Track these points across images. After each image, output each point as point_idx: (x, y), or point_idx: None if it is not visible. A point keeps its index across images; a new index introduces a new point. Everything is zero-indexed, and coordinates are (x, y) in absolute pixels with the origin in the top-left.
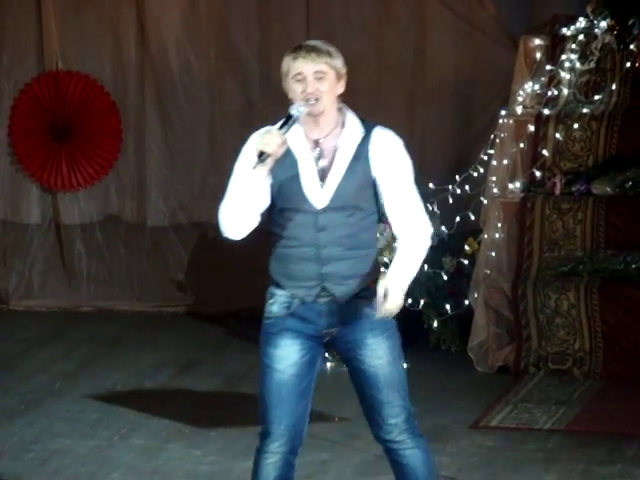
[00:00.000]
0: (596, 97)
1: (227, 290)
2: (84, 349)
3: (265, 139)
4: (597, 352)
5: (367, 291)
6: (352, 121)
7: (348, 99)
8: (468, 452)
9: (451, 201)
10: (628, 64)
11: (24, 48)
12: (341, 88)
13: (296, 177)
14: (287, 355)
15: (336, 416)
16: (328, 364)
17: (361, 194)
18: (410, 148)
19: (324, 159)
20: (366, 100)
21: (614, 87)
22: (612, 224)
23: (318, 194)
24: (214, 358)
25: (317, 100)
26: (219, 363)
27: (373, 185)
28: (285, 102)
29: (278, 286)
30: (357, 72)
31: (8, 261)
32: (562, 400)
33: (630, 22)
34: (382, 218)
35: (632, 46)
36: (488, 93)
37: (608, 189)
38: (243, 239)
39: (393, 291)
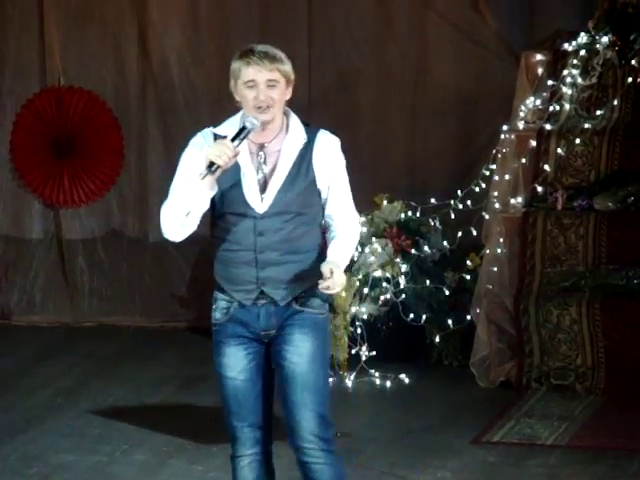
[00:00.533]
0: (598, 112)
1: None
2: (86, 365)
3: (217, 150)
4: (599, 367)
5: (306, 293)
6: (296, 126)
7: (350, 113)
8: (470, 468)
9: (453, 216)
10: (630, 80)
11: (26, 64)
12: (289, 94)
13: (238, 182)
14: (235, 363)
15: (337, 431)
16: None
17: (303, 199)
18: (411, 164)
19: (267, 164)
20: (368, 115)
21: (616, 102)
22: (614, 239)
23: (258, 200)
24: (215, 374)
25: (268, 108)
26: None
27: (316, 190)
28: None
29: (220, 289)
30: (359, 87)
31: (10, 276)
32: (564, 416)
33: (631, 38)
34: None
35: (634, 62)
36: (490, 108)
37: (610, 204)
38: None
39: (337, 270)
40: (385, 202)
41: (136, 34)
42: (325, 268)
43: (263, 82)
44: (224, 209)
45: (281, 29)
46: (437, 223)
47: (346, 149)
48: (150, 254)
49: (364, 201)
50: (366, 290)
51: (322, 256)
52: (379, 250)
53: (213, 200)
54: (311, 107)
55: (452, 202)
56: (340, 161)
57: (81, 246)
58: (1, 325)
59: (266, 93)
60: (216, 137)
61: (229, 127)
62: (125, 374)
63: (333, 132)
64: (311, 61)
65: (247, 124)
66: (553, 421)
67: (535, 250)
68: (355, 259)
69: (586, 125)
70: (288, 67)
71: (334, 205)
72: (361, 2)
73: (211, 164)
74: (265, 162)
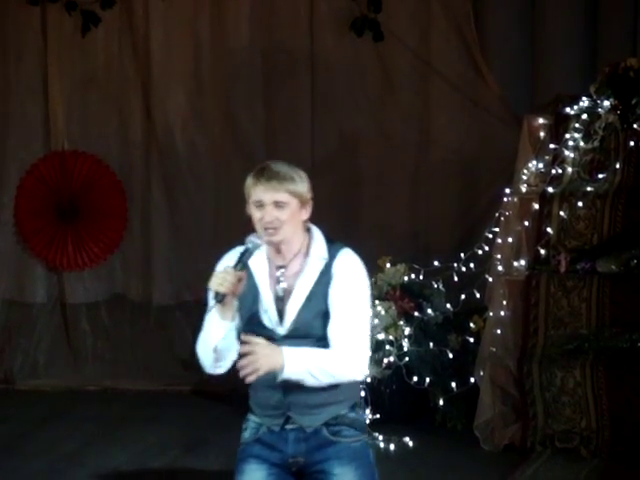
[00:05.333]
0: (600, 176)
1: (233, 369)
2: (89, 428)
3: (219, 278)
4: (604, 431)
5: (337, 420)
6: (317, 247)
7: (352, 176)
8: None
9: (456, 279)
10: (632, 143)
11: (30, 128)
12: (306, 214)
13: (256, 303)
14: None
15: None
16: None
17: (322, 322)
18: (414, 226)
19: (285, 286)
20: (369, 177)
21: (618, 166)
22: (617, 302)
23: (277, 322)
24: (220, 438)
25: (275, 230)
26: (225, 443)
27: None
28: None
29: (252, 412)
30: (360, 149)
31: (13, 340)
32: (569, 479)
33: (633, 102)
34: None
35: (635, 125)
36: (492, 171)
37: (613, 267)
38: None
39: (268, 349)
40: (388, 265)
41: (140, 99)
42: (253, 342)
43: (270, 203)
44: (247, 329)
45: (284, 93)
46: (440, 286)
47: (349, 212)
48: (154, 318)
49: (367, 264)
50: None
51: (355, 382)
52: (382, 313)
53: (239, 319)
54: (314, 170)
55: (455, 265)
56: (354, 286)
57: (85, 310)
58: (4, 389)
59: (273, 214)
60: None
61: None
62: (128, 438)
63: (338, 198)
64: (314, 124)
65: (249, 245)
66: None
67: (538, 313)
68: None
69: (588, 188)
70: (301, 187)
71: (333, 328)
72: (363, 65)
73: (216, 294)
74: (284, 284)
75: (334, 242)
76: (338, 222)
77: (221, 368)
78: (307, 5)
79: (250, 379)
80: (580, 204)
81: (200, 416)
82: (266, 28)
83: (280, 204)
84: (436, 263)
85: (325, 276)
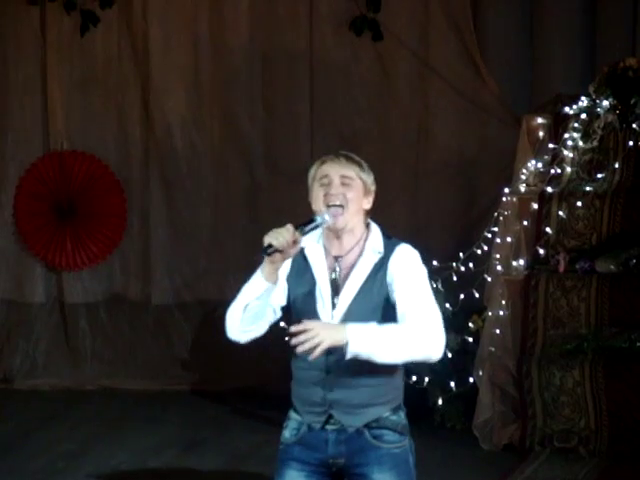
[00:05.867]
0: (599, 175)
1: (231, 369)
2: (88, 428)
3: (276, 232)
4: (603, 430)
5: (379, 422)
6: (375, 239)
7: None
8: None
9: (455, 279)
10: (630, 143)
11: (29, 128)
12: (368, 204)
13: (311, 294)
14: None
15: None
16: None
17: (374, 317)
18: (413, 226)
19: (340, 278)
20: None
21: (617, 166)
22: (616, 302)
23: (329, 314)
24: (218, 437)
25: (342, 207)
26: (223, 442)
27: (391, 307)
28: (292, 183)
29: (294, 409)
30: (360, 150)
31: (12, 340)
32: (568, 479)
33: (632, 101)
34: None
35: (634, 125)
36: (491, 171)
37: (612, 267)
38: None
39: (328, 327)
40: None
41: (139, 98)
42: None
43: (337, 177)
44: (300, 318)
45: (283, 92)
46: (439, 285)
47: None
48: (152, 317)
49: None
50: None
51: (400, 382)
52: None
53: (290, 310)
54: None
55: (454, 264)
56: (417, 272)
57: (83, 309)
58: (3, 389)
59: (339, 189)
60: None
61: (312, 238)
62: (127, 437)
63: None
64: (313, 123)
65: (318, 218)
66: None
67: (537, 312)
68: None
69: (587, 188)
70: (367, 174)
71: (405, 310)
72: (362, 65)
73: (269, 246)
74: (339, 275)
75: (392, 238)
76: None
77: (243, 334)
78: (306, 5)
79: (314, 355)
80: (579, 204)
81: (199, 416)
82: (265, 28)
83: (347, 180)
84: (435, 263)
85: (380, 271)
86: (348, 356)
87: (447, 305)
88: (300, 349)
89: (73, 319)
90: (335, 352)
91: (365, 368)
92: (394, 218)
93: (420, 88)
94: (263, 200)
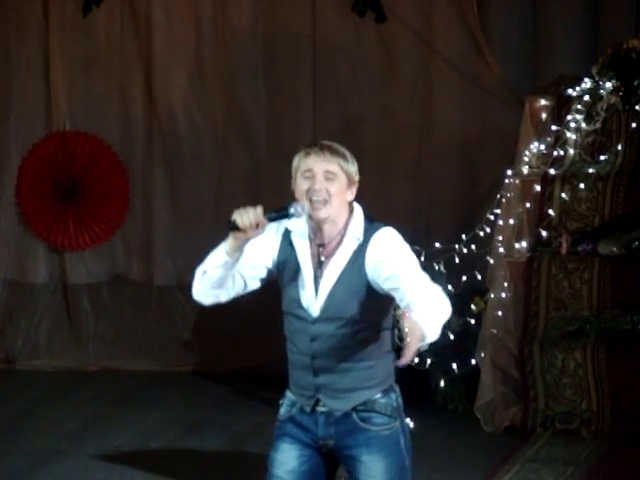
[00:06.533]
0: (602, 157)
1: (233, 349)
2: (90, 409)
3: (245, 211)
4: (604, 412)
5: (366, 405)
6: (356, 225)
7: (354, 158)
8: None
9: (457, 260)
10: (634, 125)
11: (32, 108)
12: (351, 195)
13: (296, 282)
14: (285, 461)
15: (343, 476)
16: None
17: (357, 304)
18: (416, 208)
19: (323, 266)
20: (372, 160)
21: (620, 148)
22: (618, 284)
23: (313, 303)
24: (220, 418)
25: (323, 203)
26: (225, 423)
27: (373, 293)
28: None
29: (290, 388)
30: (363, 132)
31: (15, 321)
32: (569, 460)
33: (635, 83)
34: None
35: (637, 107)
36: (494, 153)
37: (614, 249)
38: (250, 298)
39: (418, 331)
40: None
41: (141, 79)
42: (413, 329)
43: (321, 172)
44: (286, 307)
45: (286, 74)
46: (441, 267)
47: None
48: (155, 298)
49: None
50: None
51: (390, 365)
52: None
53: (281, 295)
54: None
55: (456, 246)
56: (400, 251)
57: (86, 290)
58: (5, 369)
59: (322, 184)
60: (286, 231)
61: (299, 224)
62: (129, 418)
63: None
64: (315, 106)
65: (291, 209)
66: (558, 466)
67: (540, 294)
68: None
69: (590, 170)
70: (351, 166)
71: (406, 286)
72: (365, 46)
73: (232, 222)
74: (322, 264)
75: (375, 221)
76: None
77: (204, 297)
78: None
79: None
80: (582, 186)
81: (201, 396)
82: (268, 9)
83: (330, 175)
84: (437, 244)
85: (359, 257)
86: (424, 347)
87: (449, 287)
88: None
89: (75, 300)
90: (319, 338)
91: (350, 353)
92: (397, 200)
93: (423, 70)
94: (265, 181)
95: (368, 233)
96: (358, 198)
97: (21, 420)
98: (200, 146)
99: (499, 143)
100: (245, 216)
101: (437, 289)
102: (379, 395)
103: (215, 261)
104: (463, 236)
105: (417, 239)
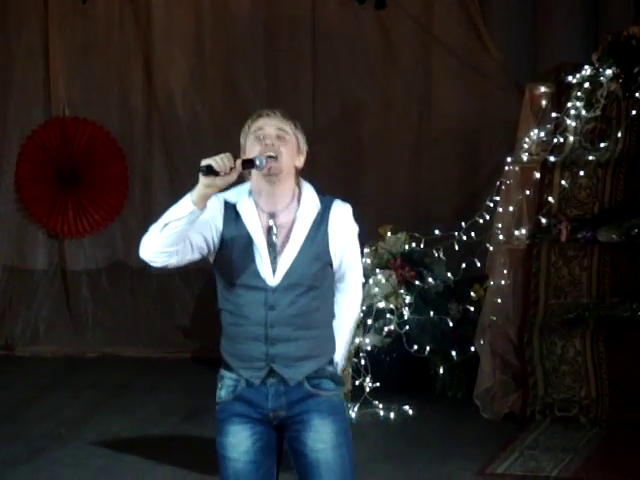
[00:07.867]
0: (602, 145)
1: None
2: (89, 395)
3: (217, 157)
4: (603, 399)
5: (317, 373)
6: (309, 195)
7: (354, 145)
8: None
9: (457, 247)
10: (634, 112)
11: (31, 95)
12: (300, 162)
13: (249, 252)
14: (238, 442)
15: None
16: None
17: (316, 271)
18: (415, 194)
19: (279, 234)
20: (371, 145)
21: (620, 135)
22: (618, 271)
23: (270, 271)
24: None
25: (276, 158)
26: None
27: (329, 261)
28: None
29: (227, 367)
30: (361, 117)
31: (14, 307)
32: (568, 447)
33: (635, 70)
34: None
35: (637, 94)
36: (494, 140)
37: (614, 236)
38: None
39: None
40: (389, 233)
41: (141, 65)
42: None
43: (273, 130)
44: (234, 280)
45: (285, 60)
46: (441, 254)
47: (350, 180)
48: (154, 285)
49: (368, 232)
50: (370, 321)
51: (334, 334)
52: (383, 281)
53: (220, 270)
54: (315, 139)
55: (456, 233)
56: (354, 231)
57: (85, 277)
58: (5, 356)
59: (275, 141)
60: (226, 203)
61: (237, 195)
62: (129, 405)
63: (339, 166)
64: (315, 92)
65: (256, 160)
66: (557, 453)
67: (539, 282)
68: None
69: (590, 157)
70: (301, 135)
71: (342, 273)
72: (365, 34)
73: (207, 166)
74: (277, 232)
75: (324, 195)
76: (339, 190)
77: (158, 255)
78: None
79: None
80: (581, 173)
81: (200, 383)
82: None
83: (281, 133)
84: (437, 232)
85: (322, 224)
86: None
87: (449, 274)
88: None
89: (75, 286)
90: (277, 307)
91: (306, 320)
92: (396, 186)
93: (422, 56)
94: None
95: (325, 202)
96: (357, 184)
97: (20, 406)
98: (199, 132)
99: (498, 130)
100: (220, 161)
101: (359, 289)
102: (327, 363)
103: (179, 212)
104: (463, 223)
105: (417, 226)
